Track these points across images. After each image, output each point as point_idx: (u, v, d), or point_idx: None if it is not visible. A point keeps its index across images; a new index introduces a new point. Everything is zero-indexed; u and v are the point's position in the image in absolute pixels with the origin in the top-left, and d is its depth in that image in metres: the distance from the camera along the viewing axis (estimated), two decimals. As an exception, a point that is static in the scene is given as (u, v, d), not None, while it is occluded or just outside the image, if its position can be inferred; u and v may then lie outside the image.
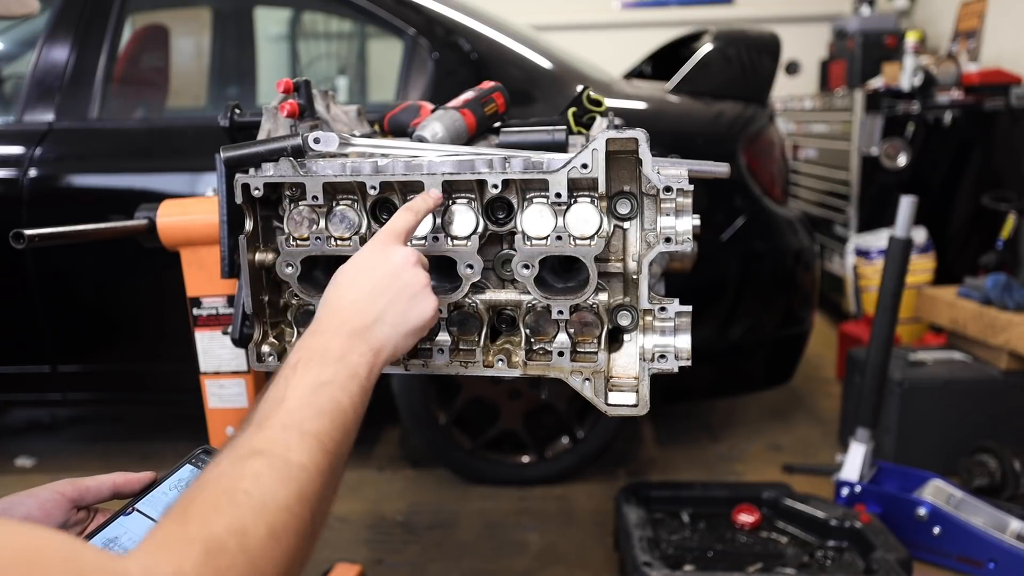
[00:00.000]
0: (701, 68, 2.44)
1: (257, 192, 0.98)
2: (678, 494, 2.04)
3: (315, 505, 0.62)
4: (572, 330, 0.98)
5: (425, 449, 2.50)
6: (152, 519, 0.75)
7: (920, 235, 3.29)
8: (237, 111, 1.27)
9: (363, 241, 1.00)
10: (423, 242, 0.98)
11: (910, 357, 2.53)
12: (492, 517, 2.33)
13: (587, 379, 0.98)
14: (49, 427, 3.13)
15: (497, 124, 1.21)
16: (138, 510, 0.76)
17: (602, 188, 0.93)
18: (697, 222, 0.96)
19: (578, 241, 0.95)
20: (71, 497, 0.77)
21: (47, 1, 2.43)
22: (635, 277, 0.96)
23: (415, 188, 0.97)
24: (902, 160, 3.44)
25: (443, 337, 1.00)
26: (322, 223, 1.00)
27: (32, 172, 2.27)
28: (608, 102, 1.41)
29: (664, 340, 0.97)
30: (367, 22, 2.92)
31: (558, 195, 0.93)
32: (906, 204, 2.04)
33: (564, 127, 1.09)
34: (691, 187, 0.92)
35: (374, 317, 0.78)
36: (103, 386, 2.53)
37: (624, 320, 0.99)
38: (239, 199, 0.99)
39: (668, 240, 0.93)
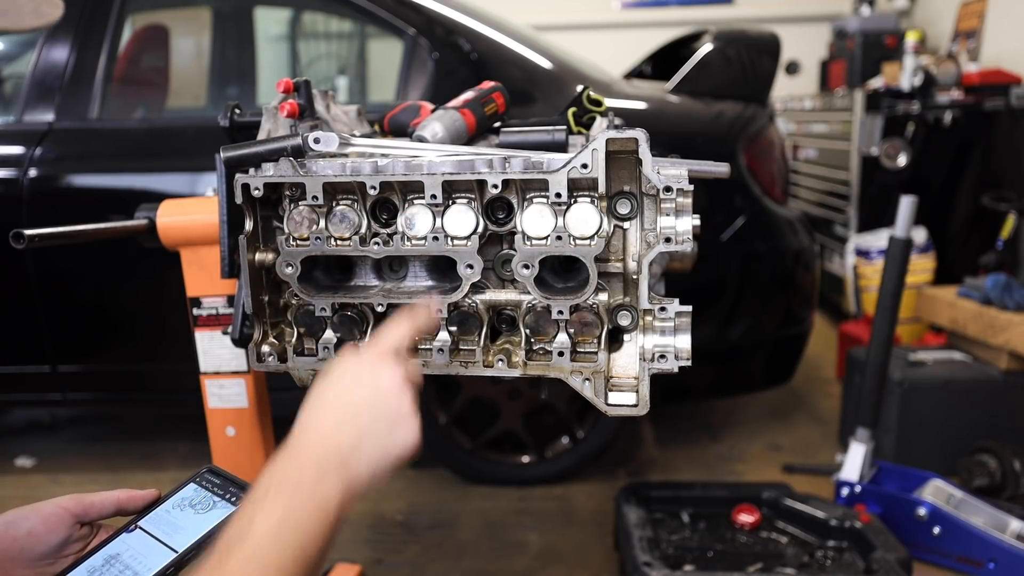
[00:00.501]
0: (701, 68, 2.44)
1: (257, 192, 0.98)
2: (678, 494, 2.04)
3: None
4: (572, 330, 0.98)
5: (425, 449, 2.50)
6: (155, 537, 0.75)
7: (920, 235, 3.29)
8: (237, 111, 1.27)
9: (363, 241, 1.00)
10: (423, 242, 0.97)
11: (910, 357, 2.53)
12: (492, 517, 2.33)
13: (587, 379, 0.98)
14: (49, 427, 3.13)
15: (497, 124, 1.21)
16: (141, 527, 0.76)
17: (602, 188, 0.93)
18: (697, 222, 0.96)
19: (578, 241, 0.95)
20: (75, 512, 0.77)
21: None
22: (635, 277, 0.96)
23: (415, 188, 0.97)
24: (902, 160, 3.44)
25: (443, 337, 1.00)
26: (322, 223, 1.00)
27: (32, 172, 2.27)
28: (608, 102, 1.41)
29: (664, 340, 0.97)
30: (367, 22, 2.92)
31: (558, 195, 0.93)
32: (906, 204, 2.04)
33: (564, 127, 1.09)
34: (691, 187, 0.92)
35: (351, 444, 0.72)
36: (103, 386, 2.53)
37: (624, 320, 0.99)
38: (239, 199, 0.99)
39: (668, 240, 0.93)
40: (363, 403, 0.75)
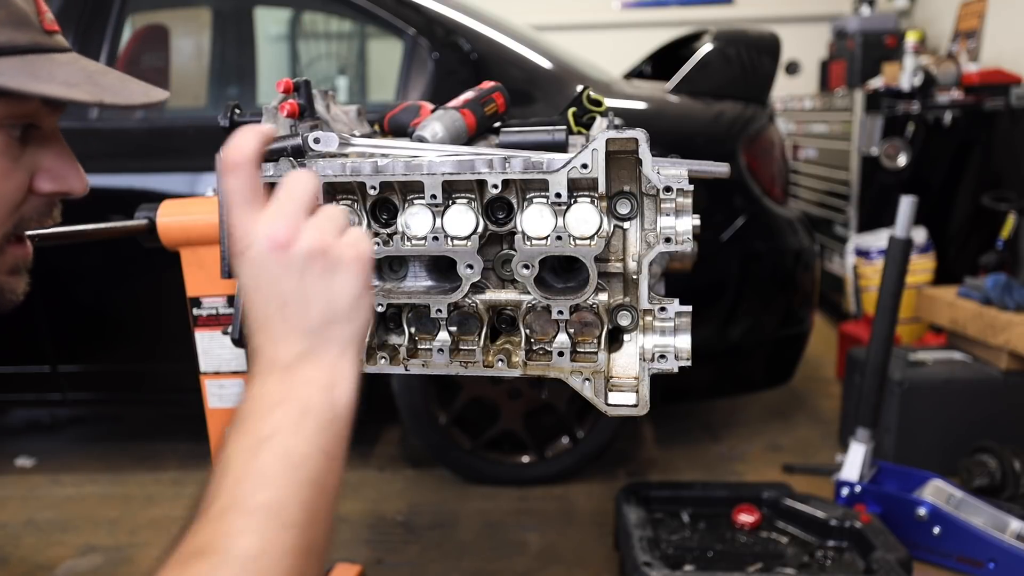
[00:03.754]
0: (701, 68, 2.44)
1: (257, 192, 0.98)
2: (678, 494, 2.04)
3: None
4: (572, 330, 0.98)
5: (425, 449, 2.50)
6: None
7: (920, 235, 3.29)
8: (237, 111, 1.27)
9: (363, 241, 0.99)
10: (423, 242, 0.97)
11: (910, 357, 2.53)
12: (492, 517, 2.33)
13: (587, 379, 0.98)
14: (49, 427, 3.13)
15: (497, 124, 1.21)
16: None
17: (602, 188, 0.93)
18: (697, 222, 0.96)
19: (578, 241, 0.95)
20: None
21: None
22: (635, 277, 0.96)
23: (415, 188, 0.97)
24: (902, 160, 3.44)
25: (443, 337, 1.00)
26: (322, 223, 1.00)
27: (32, 172, 2.27)
28: (608, 102, 1.41)
29: (664, 340, 0.97)
30: (367, 22, 2.92)
31: (558, 195, 0.93)
32: (906, 204, 2.04)
33: (564, 127, 1.09)
34: (691, 187, 0.92)
35: (300, 335, 0.60)
36: (103, 386, 2.53)
37: (624, 320, 0.99)
38: (239, 199, 0.99)
39: (668, 240, 0.93)
40: (276, 284, 0.60)
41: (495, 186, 0.94)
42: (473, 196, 0.97)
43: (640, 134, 0.91)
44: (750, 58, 2.45)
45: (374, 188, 0.97)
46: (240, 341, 1.15)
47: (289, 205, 0.61)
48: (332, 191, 1.00)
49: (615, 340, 1.00)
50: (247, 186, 0.61)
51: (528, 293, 0.98)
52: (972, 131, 3.44)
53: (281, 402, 0.58)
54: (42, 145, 0.78)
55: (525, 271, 0.95)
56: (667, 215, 0.94)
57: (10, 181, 0.75)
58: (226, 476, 0.54)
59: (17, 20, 0.72)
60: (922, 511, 1.99)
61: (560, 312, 0.96)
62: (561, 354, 0.98)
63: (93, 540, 2.27)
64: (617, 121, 1.27)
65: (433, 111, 1.18)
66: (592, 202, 0.95)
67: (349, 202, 1.00)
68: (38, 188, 0.78)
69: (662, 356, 0.96)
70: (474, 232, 0.97)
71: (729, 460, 2.64)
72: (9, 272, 0.81)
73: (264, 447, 0.55)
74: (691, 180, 0.94)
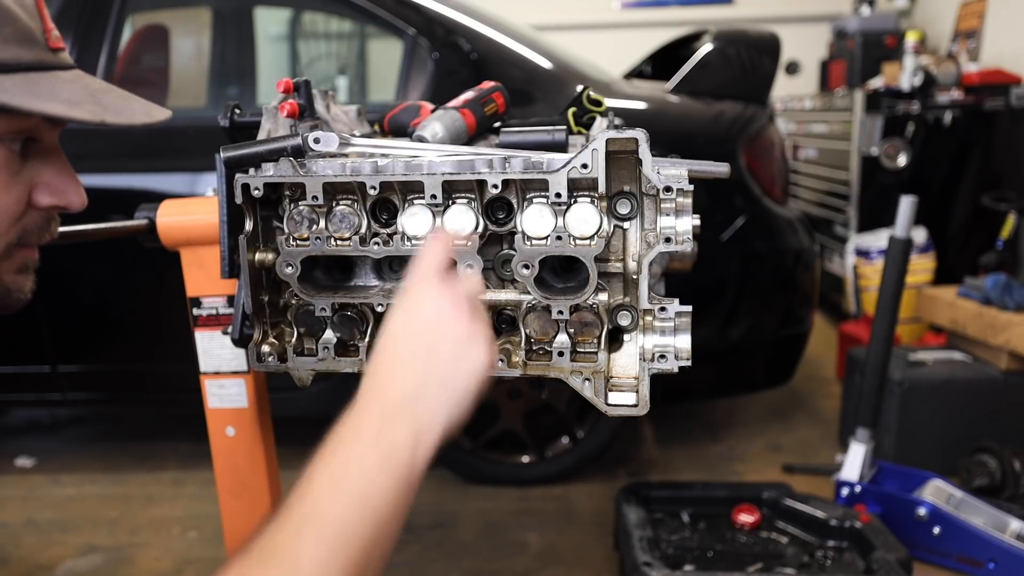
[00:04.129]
0: (701, 68, 2.44)
1: (257, 192, 0.98)
2: (678, 494, 2.04)
3: None
4: (572, 330, 0.98)
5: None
6: None
7: (920, 235, 3.29)
8: (237, 111, 1.27)
9: (363, 241, 1.00)
10: (424, 242, 0.97)
11: (910, 357, 2.53)
12: (492, 517, 2.33)
13: (587, 379, 0.98)
14: (49, 427, 3.13)
15: (497, 124, 1.21)
16: None
17: (602, 188, 0.93)
18: (697, 222, 0.96)
19: (578, 241, 0.95)
20: None
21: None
22: (635, 277, 0.96)
23: (415, 188, 0.97)
24: (902, 160, 3.44)
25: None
26: (322, 223, 1.00)
27: (32, 172, 2.27)
28: (608, 102, 1.41)
29: (664, 340, 0.97)
30: (367, 22, 2.92)
31: (558, 195, 0.93)
32: (906, 204, 2.04)
33: (564, 127, 1.09)
34: (691, 187, 0.92)
35: (414, 384, 0.68)
36: (103, 386, 2.53)
37: (624, 320, 0.99)
38: (239, 199, 0.99)
39: (668, 240, 0.93)
40: (417, 339, 0.70)
41: (495, 186, 0.94)
42: (473, 196, 0.97)
43: (640, 134, 0.91)
44: (750, 58, 2.45)
45: (374, 188, 0.97)
46: (240, 341, 1.15)
47: (464, 289, 0.74)
48: (332, 191, 1.00)
49: (615, 340, 1.00)
50: (442, 259, 0.74)
51: (528, 293, 0.98)
52: (972, 131, 3.44)
53: (373, 437, 0.65)
54: (42, 159, 0.79)
55: (525, 271, 0.95)
56: (667, 215, 0.94)
57: (9, 194, 0.76)
58: (310, 491, 0.62)
59: (22, 37, 0.72)
60: (922, 511, 1.99)
61: (560, 312, 0.96)
62: (561, 354, 0.98)
63: (93, 540, 2.27)
64: (617, 121, 1.28)
65: (433, 111, 1.18)
66: (592, 202, 0.95)
67: (349, 202, 1.00)
68: (37, 202, 0.79)
69: (662, 356, 0.96)
70: (474, 232, 0.97)
71: (729, 460, 2.64)
72: (17, 271, 0.82)
73: (348, 475, 0.62)
74: (691, 180, 0.94)
